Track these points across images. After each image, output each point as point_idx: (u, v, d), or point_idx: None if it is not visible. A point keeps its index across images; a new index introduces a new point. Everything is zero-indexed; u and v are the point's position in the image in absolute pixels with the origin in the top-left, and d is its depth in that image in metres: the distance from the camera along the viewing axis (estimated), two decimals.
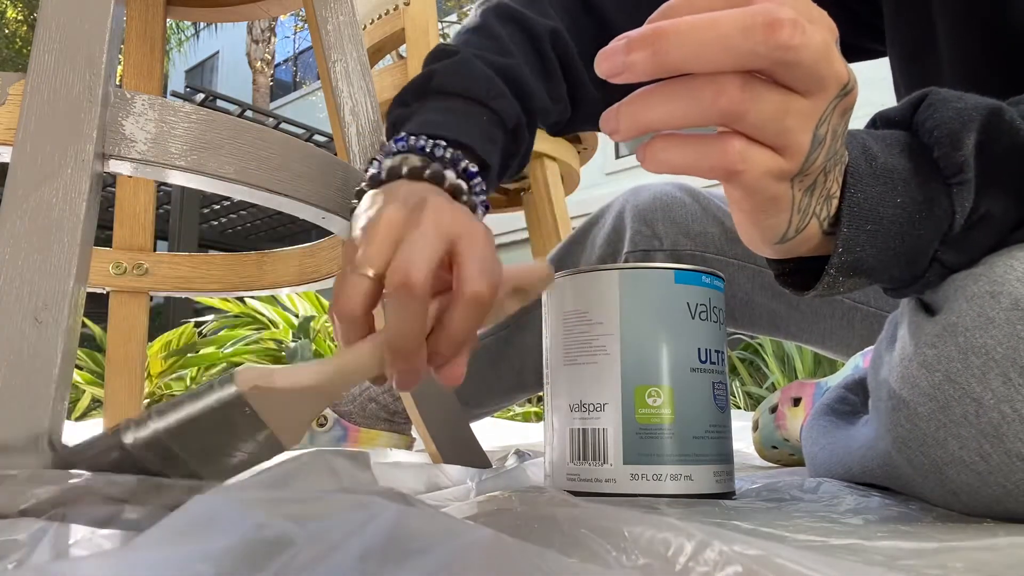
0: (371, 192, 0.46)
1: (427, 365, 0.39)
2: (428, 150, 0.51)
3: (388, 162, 0.50)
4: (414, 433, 1.06)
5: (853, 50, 0.70)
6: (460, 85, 0.56)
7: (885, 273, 0.43)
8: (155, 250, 0.95)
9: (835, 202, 0.41)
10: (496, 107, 0.56)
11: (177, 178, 0.53)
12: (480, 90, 0.55)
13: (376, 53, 1.41)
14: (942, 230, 0.43)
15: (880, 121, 0.46)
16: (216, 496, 0.25)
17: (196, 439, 0.36)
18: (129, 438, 0.35)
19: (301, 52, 15.80)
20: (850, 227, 0.41)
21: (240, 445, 0.37)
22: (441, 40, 1.28)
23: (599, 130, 0.55)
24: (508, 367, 0.99)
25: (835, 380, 0.86)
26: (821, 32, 0.32)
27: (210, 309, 3.67)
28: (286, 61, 16.03)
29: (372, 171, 0.50)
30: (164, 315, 5.27)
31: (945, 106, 0.43)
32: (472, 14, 0.63)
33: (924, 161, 0.43)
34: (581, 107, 0.66)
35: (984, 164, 0.42)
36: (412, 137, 0.52)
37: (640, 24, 0.32)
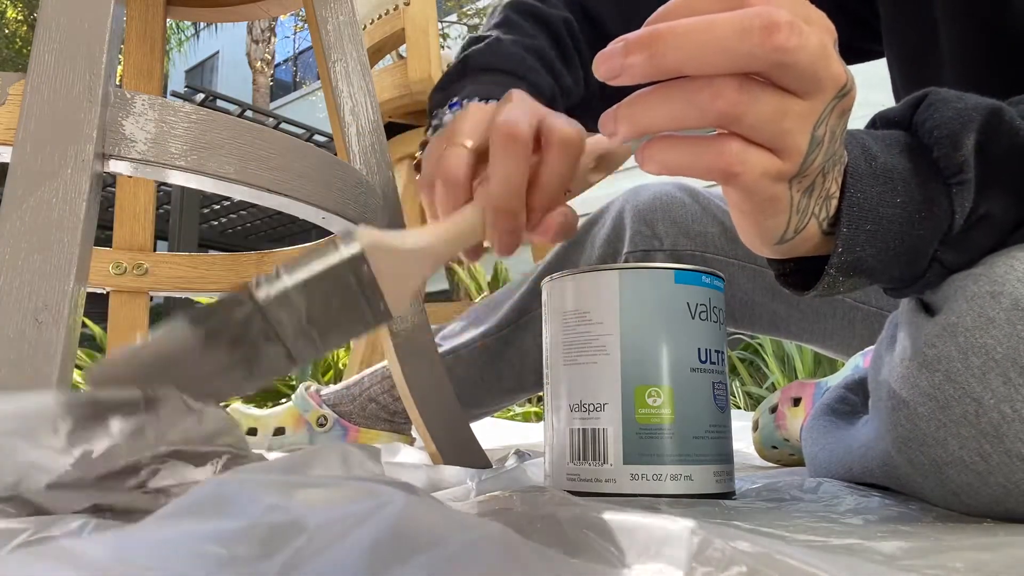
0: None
1: (525, 225, 0.41)
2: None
3: (449, 115, 0.51)
4: (414, 433, 1.06)
5: (851, 51, 0.70)
6: (497, 63, 0.58)
7: (885, 273, 0.43)
8: (155, 250, 0.95)
9: (834, 202, 0.41)
10: (532, 79, 0.59)
11: (177, 178, 0.53)
12: (516, 65, 0.58)
13: (376, 53, 1.41)
14: (942, 230, 0.43)
15: (880, 121, 0.46)
16: (230, 478, 0.25)
17: (320, 296, 0.35)
18: (262, 294, 0.35)
19: (301, 52, 15.80)
20: (849, 227, 0.41)
21: (356, 304, 0.37)
22: (441, 40, 1.29)
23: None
24: (508, 367, 0.99)
25: (835, 380, 0.86)
26: (818, 33, 0.32)
27: None
28: (286, 61, 16.03)
29: (435, 123, 0.52)
30: (164, 315, 5.27)
31: (945, 106, 0.43)
32: (491, 15, 0.66)
33: (924, 161, 0.43)
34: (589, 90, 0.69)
35: (984, 164, 0.42)
36: (466, 100, 0.53)
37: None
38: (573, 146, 0.41)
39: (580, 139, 0.42)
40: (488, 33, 0.63)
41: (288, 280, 0.35)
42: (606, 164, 0.45)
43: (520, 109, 0.41)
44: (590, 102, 0.69)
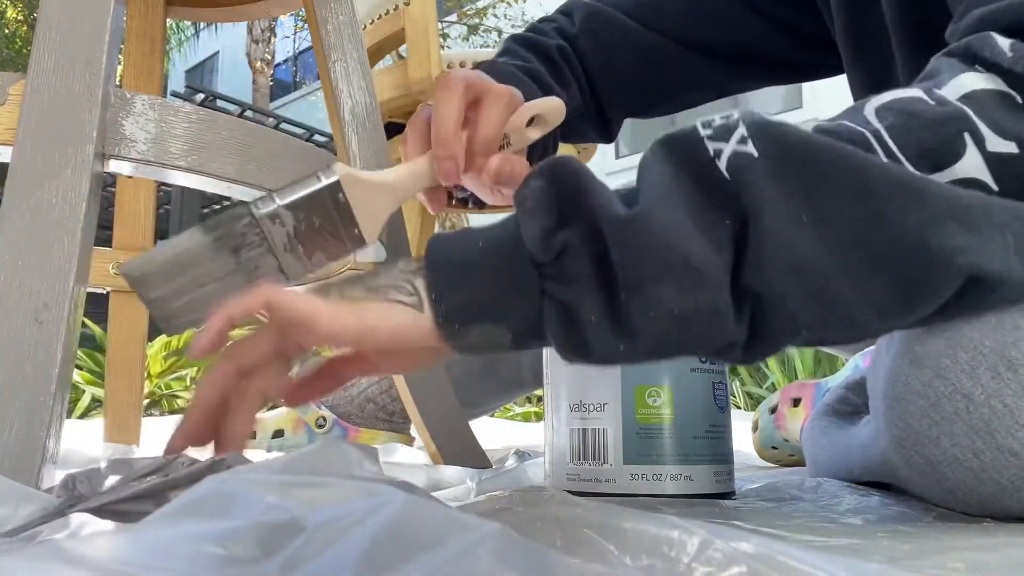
0: None
1: (465, 166, 0.49)
2: None
3: None
4: (414, 433, 1.06)
5: (802, 69, 0.73)
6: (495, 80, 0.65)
7: (504, 311, 0.37)
8: None
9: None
10: (524, 91, 0.65)
11: (177, 178, 0.53)
12: (509, 81, 0.64)
13: (376, 53, 1.41)
14: (527, 251, 0.37)
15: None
16: (229, 478, 0.25)
17: (304, 216, 0.43)
18: (257, 209, 0.43)
19: (301, 52, 15.79)
20: (434, 272, 0.37)
21: (335, 227, 0.44)
22: (441, 40, 1.30)
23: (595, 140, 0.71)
24: (505, 364, 0.99)
25: (835, 381, 0.86)
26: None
27: None
28: (286, 61, 16.02)
29: None
30: None
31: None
32: (498, 48, 0.77)
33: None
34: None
35: (553, 186, 0.37)
36: None
37: None
38: (502, 99, 0.50)
39: (510, 95, 0.51)
40: (493, 61, 0.71)
41: (279, 200, 0.43)
42: (541, 123, 0.54)
43: (463, 72, 0.49)
44: (585, 116, 0.74)
